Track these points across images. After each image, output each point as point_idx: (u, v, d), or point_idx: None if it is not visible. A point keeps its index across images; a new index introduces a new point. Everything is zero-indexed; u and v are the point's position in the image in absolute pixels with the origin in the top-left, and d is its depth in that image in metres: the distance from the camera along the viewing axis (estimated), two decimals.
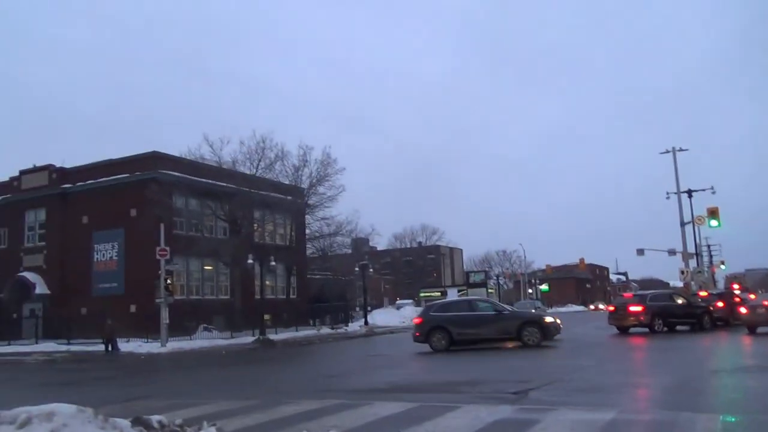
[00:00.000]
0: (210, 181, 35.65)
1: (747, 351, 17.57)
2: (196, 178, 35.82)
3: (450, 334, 20.22)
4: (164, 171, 35.11)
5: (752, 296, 31.14)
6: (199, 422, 6.01)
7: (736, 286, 53.28)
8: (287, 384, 13.88)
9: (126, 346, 27.42)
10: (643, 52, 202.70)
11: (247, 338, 30.84)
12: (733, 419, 7.40)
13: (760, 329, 22.85)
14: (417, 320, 21.80)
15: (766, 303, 23.51)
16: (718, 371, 12.63)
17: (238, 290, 36.59)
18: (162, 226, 29.56)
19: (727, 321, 27.41)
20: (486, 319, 20.45)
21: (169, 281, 28.84)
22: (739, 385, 10.64)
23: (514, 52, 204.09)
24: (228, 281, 38.63)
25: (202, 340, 30.30)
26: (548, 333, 20.11)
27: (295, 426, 7.09)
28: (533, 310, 34.46)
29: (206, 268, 38.26)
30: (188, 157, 36.24)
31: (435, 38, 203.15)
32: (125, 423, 5.69)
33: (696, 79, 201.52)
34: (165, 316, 28.00)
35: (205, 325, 33.90)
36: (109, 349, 26.66)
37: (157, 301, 28.48)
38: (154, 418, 5.93)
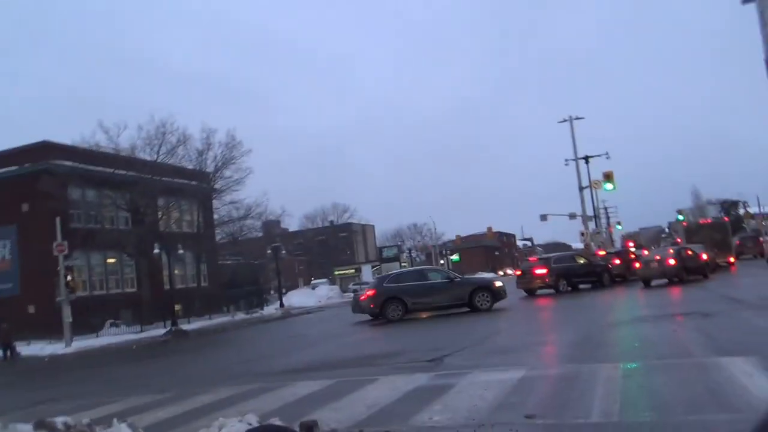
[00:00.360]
0: (108, 170, 33.97)
1: (642, 303, 18.76)
2: (92, 167, 34.03)
3: (404, 303, 20.47)
4: (57, 161, 33.11)
5: (645, 252, 33.23)
6: (109, 420, 5.77)
7: (631, 243, 56.68)
8: (203, 373, 13.59)
9: (27, 349, 25.94)
10: (541, 20, 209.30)
11: (158, 331, 29.89)
12: (632, 366, 7.89)
13: (653, 282, 24.47)
14: (370, 292, 21.69)
15: (657, 258, 25.20)
16: (618, 324, 13.41)
17: (145, 282, 35.30)
18: (58, 219, 27.96)
19: (624, 277, 29.17)
20: (439, 287, 20.84)
21: (69, 278, 27.43)
22: (636, 334, 11.35)
23: (411, 27, 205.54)
24: (134, 273, 37.19)
25: (110, 337, 29.08)
26: (498, 296, 20.77)
27: (211, 414, 6.95)
28: None
29: (109, 261, 36.63)
30: (82, 146, 34.38)
31: (339, 15, 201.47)
32: (27, 427, 5.40)
33: (591, 45, 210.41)
34: (67, 315, 26.65)
35: (112, 320, 32.56)
36: (8, 354, 25.13)
37: (58, 299, 27.06)
38: (59, 420, 5.65)
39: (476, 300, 20.28)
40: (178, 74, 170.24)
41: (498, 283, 21.55)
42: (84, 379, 15.94)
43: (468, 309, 20.27)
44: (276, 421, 5.05)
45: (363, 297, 24.86)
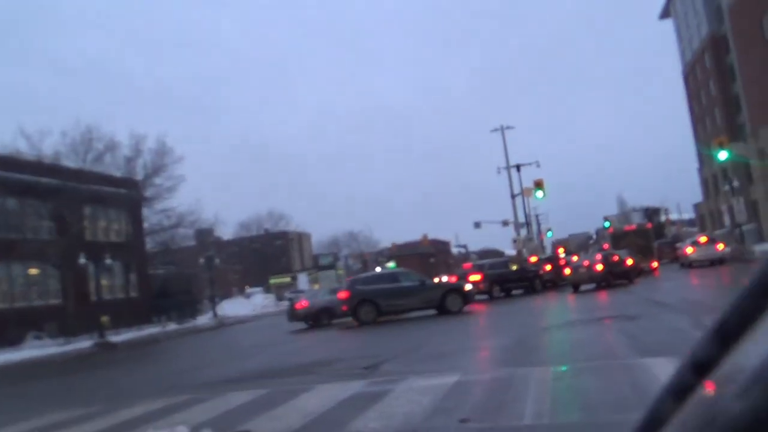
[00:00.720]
0: (30, 177, 32.47)
1: (572, 307, 19.35)
2: (12, 174, 32.44)
3: (377, 306, 20.53)
4: None
5: (575, 258, 34.28)
6: None
7: (561, 250, 58.34)
8: (133, 386, 13.13)
9: None
10: (477, 33, 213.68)
11: (84, 343, 28.73)
12: (562, 369, 8.11)
13: (582, 287, 25.25)
14: (344, 294, 21.50)
15: (586, 263, 26.02)
16: (549, 328, 13.77)
17: (70, 293, 33.83)
18: None
19: (554, 282, 29.95)
20: (411, 289, 21.02)
21: None
22: (566, 338, 11.69)
23: (347, 31, 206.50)
24: (58, 284, 35.62)
25: (32, 350, 27.69)
26: (468, 299, 21.34)
27: (140, 427, 6.74)
28: None
29: (32, 271, 34.95)
30: (1, 153, 32.85)
31: (280, 18, 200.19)
32: None
33: (521, 59, 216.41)
34: None
35: (35, 333, 31.07)
36: None
37: None
38: None
39: (447, 302, 20.57)
40: (114, 78, 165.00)
41: (468, 287, 22.21)
42: (4, 395, 15.15)
43: (437, 312, 20.52)
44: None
45: (299, 305, 24.71)
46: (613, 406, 5.63)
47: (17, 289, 34.08)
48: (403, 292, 21.01)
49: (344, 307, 21.16)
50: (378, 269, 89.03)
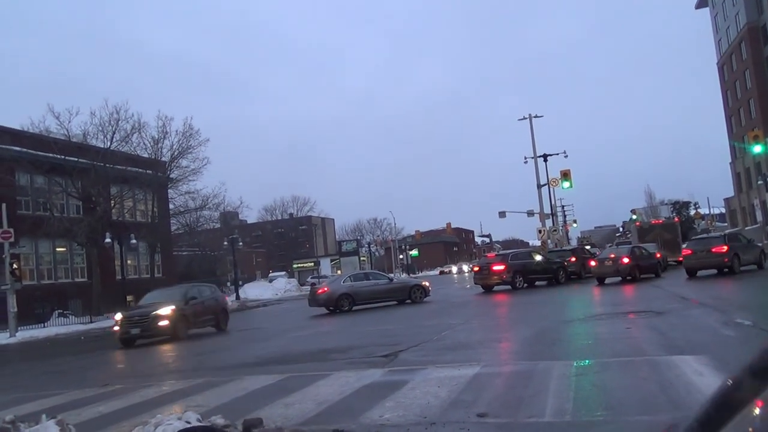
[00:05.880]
0: (58, 156, 32.86)
1: (596, 300, 18.97)
2: (41, 153, 32.84)
3: (740, 258, 22.86)
4: (3, 146, 31.89)
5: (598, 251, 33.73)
6: (38, 417, 5.43)
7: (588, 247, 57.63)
8: (151, 366, 13.17)
9: None
10: (510, 22, 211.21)
11: (108, 321, 29.04)
12: (585, 363, 7.86)
13: (607, 280, 24.80)
14: (723, 248, 22.94)
15: (612, 256, 25.53)
16: (572, 321, 13.46)
17: (96, 272, 34.29)
18: (4, 206, 26.90)
19: (579, 274, 29.50)
20: (747, 247, 24.03)
21: (15, 266, 26.44)
22: (590, 332, 11.39)
23: (391, 21, 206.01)
24: (84, 262, 36.13)
25: (57, 327, 28.16)
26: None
27: (153, 410, 6.65)
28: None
29: (59, 249, 35.49)
30: (31, 131, 33.27)
31: (320, 12, 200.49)
32: None
33: (556, 51, 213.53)
34: (12, 304, 25.70)
35: (60, 310, 31.56)
36: None
37: (2, 288, 26.06)
38: None
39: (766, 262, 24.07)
40: (146, 56, 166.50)
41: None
42: (27, 371, 15.33)
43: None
44: (218, 419, 4.81)
45: (321, 291, 24.62)
46: (639, 405, 5.40)
47: (44, 267, 34.64)
48: (743, 249, 23.60)
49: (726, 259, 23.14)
50: (401, 257, 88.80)
